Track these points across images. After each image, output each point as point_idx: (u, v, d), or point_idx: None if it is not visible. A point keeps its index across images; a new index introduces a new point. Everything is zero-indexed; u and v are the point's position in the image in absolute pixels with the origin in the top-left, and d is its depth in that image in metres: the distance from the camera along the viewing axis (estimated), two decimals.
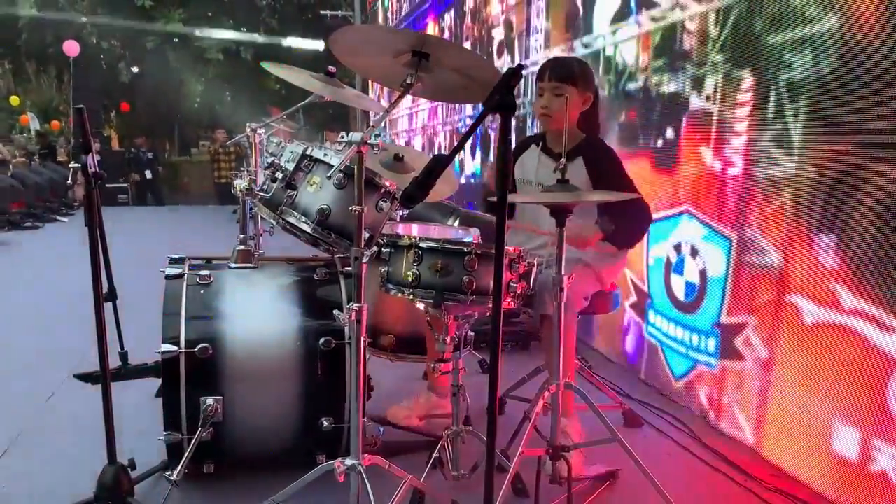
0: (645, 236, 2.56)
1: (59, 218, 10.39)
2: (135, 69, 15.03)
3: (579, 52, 4.04)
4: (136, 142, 14.37)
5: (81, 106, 1.91)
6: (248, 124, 2.51)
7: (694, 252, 2.99)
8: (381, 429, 2.49)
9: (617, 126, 3.63)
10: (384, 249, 2.08)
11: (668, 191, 3.13)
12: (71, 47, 12.88)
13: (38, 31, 14.21)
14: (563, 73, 2.49)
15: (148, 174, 13.78)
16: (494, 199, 1.32)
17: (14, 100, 15.55)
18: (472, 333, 2.37)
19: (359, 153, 1.77)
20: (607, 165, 2.50)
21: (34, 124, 14.03)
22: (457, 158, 6.52)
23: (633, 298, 3.51)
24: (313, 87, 2.32)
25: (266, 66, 2.48)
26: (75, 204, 11.61)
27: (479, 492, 1.43)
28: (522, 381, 2.90)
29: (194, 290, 2.24)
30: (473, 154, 6.68)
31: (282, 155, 2.16)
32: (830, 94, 2.20)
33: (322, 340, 2.20)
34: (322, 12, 15.26)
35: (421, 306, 2.10)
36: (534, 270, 2.11)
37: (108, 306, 2.10)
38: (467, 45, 6.52)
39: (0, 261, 6.90)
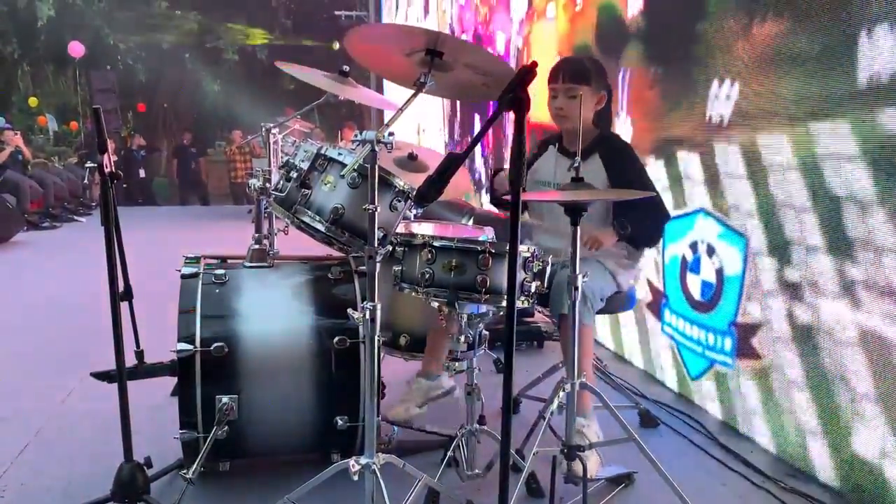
0: (662, 235, 2.52)
1: (76, 218, 10.45)
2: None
3: None
4: (137, 142, 14.32)
5: (98, 106, 1.93)
6: (262, 124, 2.52)
7: (710, 251, 2.96)
8: (396, 428, 2.49)
9: None
10: (398, 248, 2.08)
11: None
12: (75, 48, 12.97)
13: (56, 32, 14.35)
14: (577, 73, 2.48)
15: (142, 173, 13.78)
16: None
17: (32, 101, 15.71)
18: (487, 332, 2.36)
19: (372, 152, 1.77)
20: (625, 163, 2.47)
21: (52, 125, 14.17)
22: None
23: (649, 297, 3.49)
24: (326, 86, 2.33)
25: (281, 65, 2.49)
26: (93, 204, 11.68)
27: (493, 491, 1.42)
28: (537, 380, 2.88)
29: (210, 288, 2.25)
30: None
31: (296, 154, 2.17)
32: None
33: (336, 339, 2.20)
34: (336, 12, 15.29)
35: (435, 305, 2.10)
36: (548, 269, 2.10)
37: (124, 305, 2.11)
38: None
39: (18, 261, 6.97)
